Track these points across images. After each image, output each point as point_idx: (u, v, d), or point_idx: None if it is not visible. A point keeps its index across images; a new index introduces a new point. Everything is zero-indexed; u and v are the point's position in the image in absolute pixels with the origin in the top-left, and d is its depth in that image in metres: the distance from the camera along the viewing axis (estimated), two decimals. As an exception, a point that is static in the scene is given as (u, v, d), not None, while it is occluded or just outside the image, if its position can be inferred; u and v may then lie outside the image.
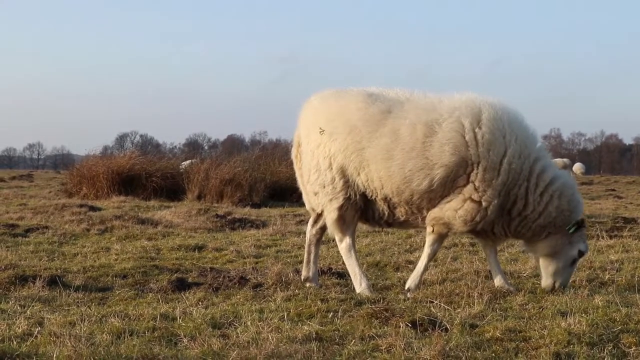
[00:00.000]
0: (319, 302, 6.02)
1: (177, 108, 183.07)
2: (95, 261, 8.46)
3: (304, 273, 7.11)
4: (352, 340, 4.84)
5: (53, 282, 6.83)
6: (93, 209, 14.99)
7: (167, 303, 6.17)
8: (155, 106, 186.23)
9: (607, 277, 7.23)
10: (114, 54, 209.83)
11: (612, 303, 5.90)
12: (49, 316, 5.57)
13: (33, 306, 5.97)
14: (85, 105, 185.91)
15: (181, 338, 4.89)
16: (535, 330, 5.07)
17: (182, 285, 6.86)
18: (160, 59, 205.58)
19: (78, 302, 6.27)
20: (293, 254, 9.29)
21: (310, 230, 7.25)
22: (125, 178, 19.67)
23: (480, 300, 6.15)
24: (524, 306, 5.96)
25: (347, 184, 6.70)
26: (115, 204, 17.10)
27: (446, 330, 5.10)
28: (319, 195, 6.87)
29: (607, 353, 4.51)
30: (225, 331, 5.14)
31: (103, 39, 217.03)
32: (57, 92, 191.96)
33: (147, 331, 5.07)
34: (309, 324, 5.32)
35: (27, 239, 10.34)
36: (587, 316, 5.37)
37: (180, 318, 5.48)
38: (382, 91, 6.81)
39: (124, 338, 4.86)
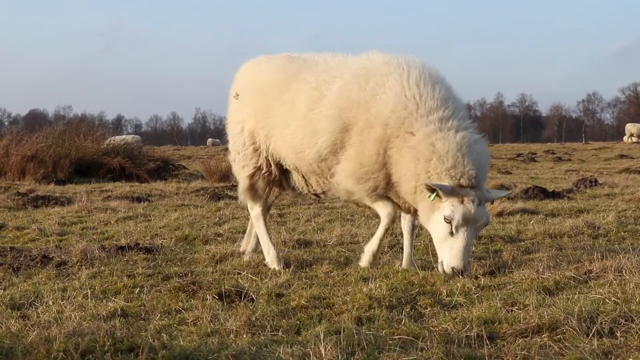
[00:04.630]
0: (125, 278, 5.92)
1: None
2: None
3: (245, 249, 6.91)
4: (158, 315, 4.81)
5: None
6: None
7: (-37, 286, 5.86)
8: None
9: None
10: None
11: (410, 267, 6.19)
12: None
13: None
14: None
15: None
16: (338, 296, 5.22)
17: (-21, 267, 6.53)
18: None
19: None
20: (99, 230, 9.06)
21: None
22: None
23: (287, 269, 6.26)
24: (329, 274, 6.11)
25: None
26: None
27: (252, 300, 5.16)
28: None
29: (405, 315, 4.71)
30: (25, 312, 4.96)
31: None
32: None
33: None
34: (114, 300, 5.23)
35: None
36: (388, 281, 5.59)
37: (-24, 301, 5.22)
38: None
39: None
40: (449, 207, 5.59)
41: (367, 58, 6.38)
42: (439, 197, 5.61)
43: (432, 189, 5.61)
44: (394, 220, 6.26)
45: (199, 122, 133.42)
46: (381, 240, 6.30)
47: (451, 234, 5.61)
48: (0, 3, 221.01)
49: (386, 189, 6.07)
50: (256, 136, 6.75)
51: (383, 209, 6.21)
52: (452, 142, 5.67)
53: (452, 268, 5.58)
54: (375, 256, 6.31)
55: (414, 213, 6.10)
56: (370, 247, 6.29)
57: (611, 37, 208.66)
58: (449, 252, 5.63)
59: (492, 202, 5.93)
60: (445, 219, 5.60)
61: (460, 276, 5.55)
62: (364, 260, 6.27)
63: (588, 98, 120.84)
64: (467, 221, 5.57)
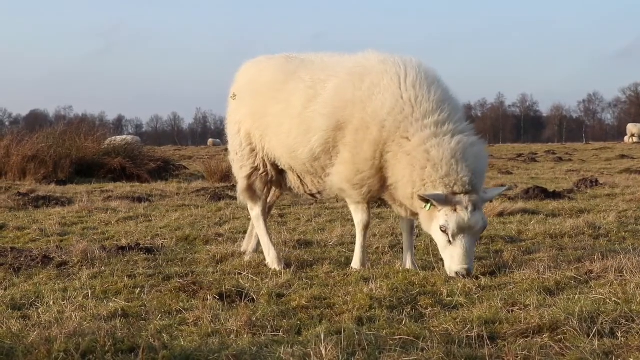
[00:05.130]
0: (125, 279, 5.92)
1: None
2: None
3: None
4: (158, 315, 4.81)
5: None
6: None
7: (-37, 286, 5.86)
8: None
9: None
10: None
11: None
12: None
13: None
14: None
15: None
16: (339, 296, 5.22)
17: (-20, 267, 6.53)
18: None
19: None
20: (100, 230, 9.06)
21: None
22: None
23: (287, 270, 6.27)
24: (330, 274, 6.11)
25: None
26: None
27: (253, 300, 5.16)
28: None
29: (405, 315, 4.70)
30: (26, 312, 4.97)
31: None
32: None
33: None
34: (114, 300, 5.23)
35: None
36: (389, 281, 5.59)
37: (-23, 301, 5.23)
38: None
39: None
40: (443, 217, 5.61)
41: (363, 57, 6.35)
42: (435, 206, 5.64)
43: (425, 200, 5.63)
44: (367, 226, 6.38)
45: (199, 122, 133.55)
46: (363, 247, 6.38)
47: (449, 242, 5.64)
48: (1, 3, 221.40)
49: (380, 191, 6.09)
50: (252, 137, 6.76)
51: (358, 215, 6.32)
52: (446, 149, 5.66)
53: (456, 272, 5.61)
54: (365, 263, 6.36)
55: (411, 215, 6.10)
56: (357, 260, 6.35)
57: (611, 37, 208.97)
58: (451, 259, 5.67)
59: (491, 201, 5.91)
60: (440, 228, 5.64)
61: (466, 278, 5.57)
62: (356, 268, 6.30)
63: (589, 98, 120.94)
64: (462, 229, 5.60)
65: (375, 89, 6.00)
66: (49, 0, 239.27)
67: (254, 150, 6.78)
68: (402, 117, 5.86)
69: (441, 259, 6.00)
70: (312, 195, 6.78)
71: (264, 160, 6.77)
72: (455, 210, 5.59)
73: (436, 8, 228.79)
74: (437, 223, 5.66)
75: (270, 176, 6.82)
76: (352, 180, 6.05)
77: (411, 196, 5.80)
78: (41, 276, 6.21)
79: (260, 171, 6.80)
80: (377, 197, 6.23)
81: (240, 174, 6.91)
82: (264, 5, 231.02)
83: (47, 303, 5.17)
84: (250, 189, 6.87)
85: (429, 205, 5.66)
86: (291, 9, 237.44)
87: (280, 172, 6.82)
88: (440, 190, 5.62)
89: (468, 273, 5.59)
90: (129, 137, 30.13)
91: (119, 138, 27.35)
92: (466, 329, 4.31)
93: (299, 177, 6.66)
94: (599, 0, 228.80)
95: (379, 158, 5.93)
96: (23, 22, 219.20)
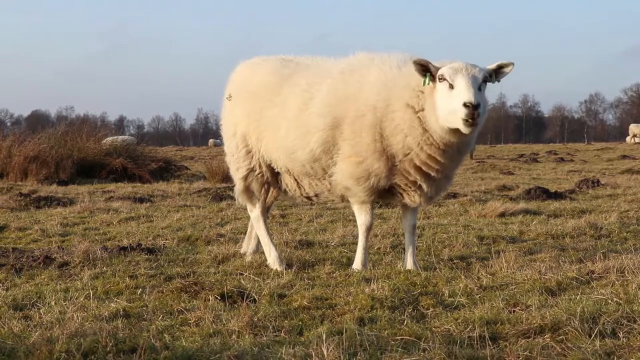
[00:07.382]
0: (127, 279, 5.92)
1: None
2: None
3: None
4: (160, 316, 4.81)
5: None
6: None
7: (-35, 286, 5.86)
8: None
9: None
10: None
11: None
12: None
13: None
14: None
15: (-20, 322, 4.67)
16: (340, 297, 5.22)
17: (-19, 268, 6.53)
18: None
19: None
20: (101, 231, 9.07)
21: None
22: None
23: (289, 270, 6.27)
24: (331, 274, 6.11)
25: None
26: None
27: (255, 301, 5.16)
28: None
29: (407, 315, 4.70)
30: (28, 312, 4.96)
31: None
32: None
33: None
34: (116, 301, 5.22)
35: None
36: (390, 281, 5.58)
37: (-22, 301, 5.23)
38: None
39: None
40: (440, 71, 5.73)
41: (354, 57, 6.51)
42: (432, 76, 5.76)
43: (423, 69, 5.77)
44: (370, 228, 6.38)
45: (201, 122, 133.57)
46: (365, 248, 6.37)
47: (451, 87, 5.67)
48: (4, 4, 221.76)
49: (389, 177, 6.08)
50: (248, 139, 6.76)
51: (361, 216, 6.32)
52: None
53: (464, 104, 5.53)
54: (366, 264, 6.37)
55: (426, 177, 6.04)
56: (359, 261, 6.33)
57: (613, 38, 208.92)
58: (456, 98, 5.61)
59: (490, 75, 5.84)
60: (439, 78, 5.73)
61: (473, 108, 5.50)
62: (357, 269, 6.29)
63: (590, 99, 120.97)
64: (459, 69, 5.69)
65: (364, 80, 6.18)
66: (50, 2, 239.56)
67: (250, 152, 6.79)
68: (387, 92, 6.03)
69: (442, 260, 6.00)
70: (309, 198, 6.77)
71: (259, 162, 6.78)
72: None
73: (438, 9, 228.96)
74: (437, 91, 5.74)
75: (266, 177, 6.83)
76: (355, 173, 6.08)
77: (417, 120, 5.88)
78: (43, 277, 6.21)
79: (257, 172, 6.80)
80: (386, 186, 6.16)
81: (236, 176, 6.92)
82: (267, 6, 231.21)
83: (48, 303, 5.17)
84: (247, 190, 6.88)
85: (427, 78, 5.79)
86: (296, 10, 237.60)
87: (275, 175, 6.82)
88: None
89: (475, 103, 5.50)
90: (128, 138, 30.16)
91: (119, 138, 27.37)
92: (468, 329, 4.30)
93: (295, 179, 6.66)
94: (601, 1, 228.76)
95: (380, 140, 6.01)
96: (25, 23, 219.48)
